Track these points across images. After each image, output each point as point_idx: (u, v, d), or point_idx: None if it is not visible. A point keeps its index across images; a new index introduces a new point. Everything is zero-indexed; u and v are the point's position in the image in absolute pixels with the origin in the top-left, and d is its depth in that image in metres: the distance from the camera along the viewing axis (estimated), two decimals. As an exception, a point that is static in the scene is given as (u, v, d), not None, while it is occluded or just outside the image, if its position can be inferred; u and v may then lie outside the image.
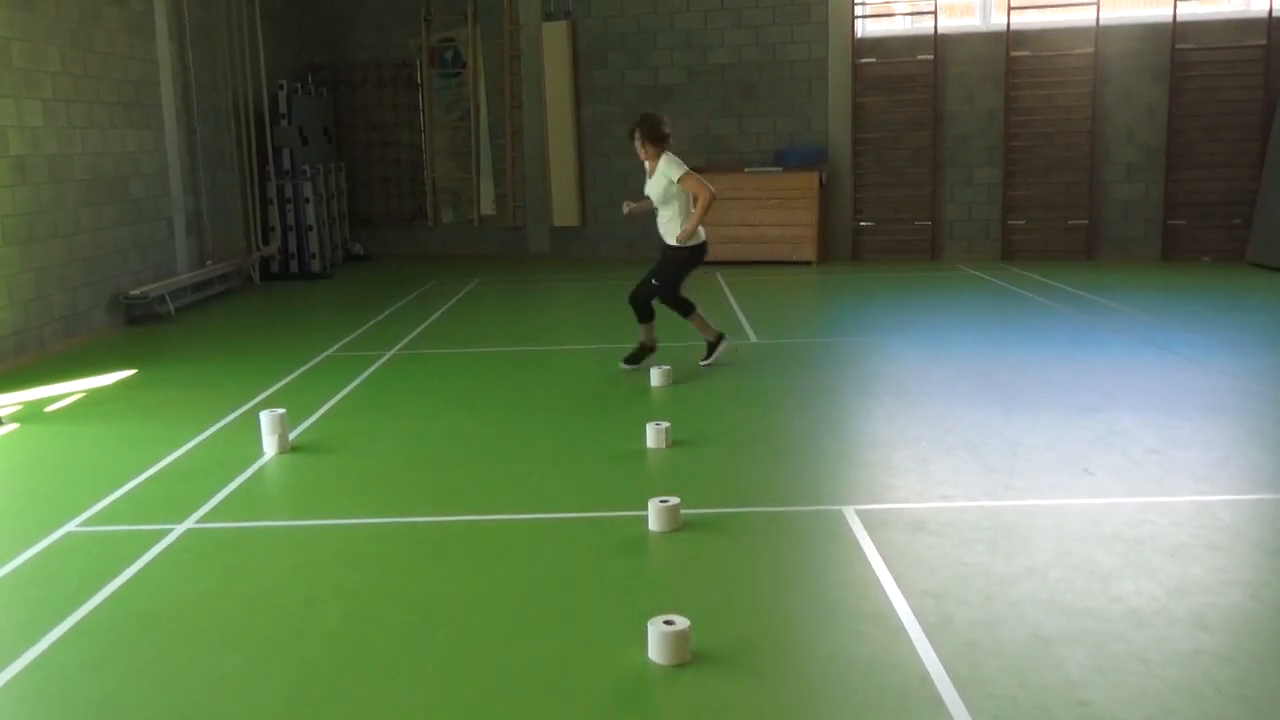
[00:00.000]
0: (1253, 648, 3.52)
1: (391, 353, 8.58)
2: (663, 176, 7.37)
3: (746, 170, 13.69)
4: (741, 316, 9.89)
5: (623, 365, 7.68)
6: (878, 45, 13.90)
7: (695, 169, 7.65)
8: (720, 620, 3.77)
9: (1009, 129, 13.56)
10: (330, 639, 3.75)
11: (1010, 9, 13.36)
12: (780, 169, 13.64)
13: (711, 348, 7.74)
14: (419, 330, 9.58)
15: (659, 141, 7.35)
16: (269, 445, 5.89)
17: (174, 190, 11.25)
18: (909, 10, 14.15)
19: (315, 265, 13.42)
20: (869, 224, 14.15)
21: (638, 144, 7.40)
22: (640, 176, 7.77)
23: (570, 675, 3.44)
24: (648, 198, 7.61)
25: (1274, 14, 12.82)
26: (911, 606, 3.83)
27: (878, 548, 4.38)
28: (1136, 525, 4.56)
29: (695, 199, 7.40)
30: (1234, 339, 8.40)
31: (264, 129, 13.10)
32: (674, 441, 5.87)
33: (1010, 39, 13.40)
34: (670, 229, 7.49)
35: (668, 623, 3.50)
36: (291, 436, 6.08)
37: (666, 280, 7.56)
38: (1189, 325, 8.96)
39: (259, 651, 3.66)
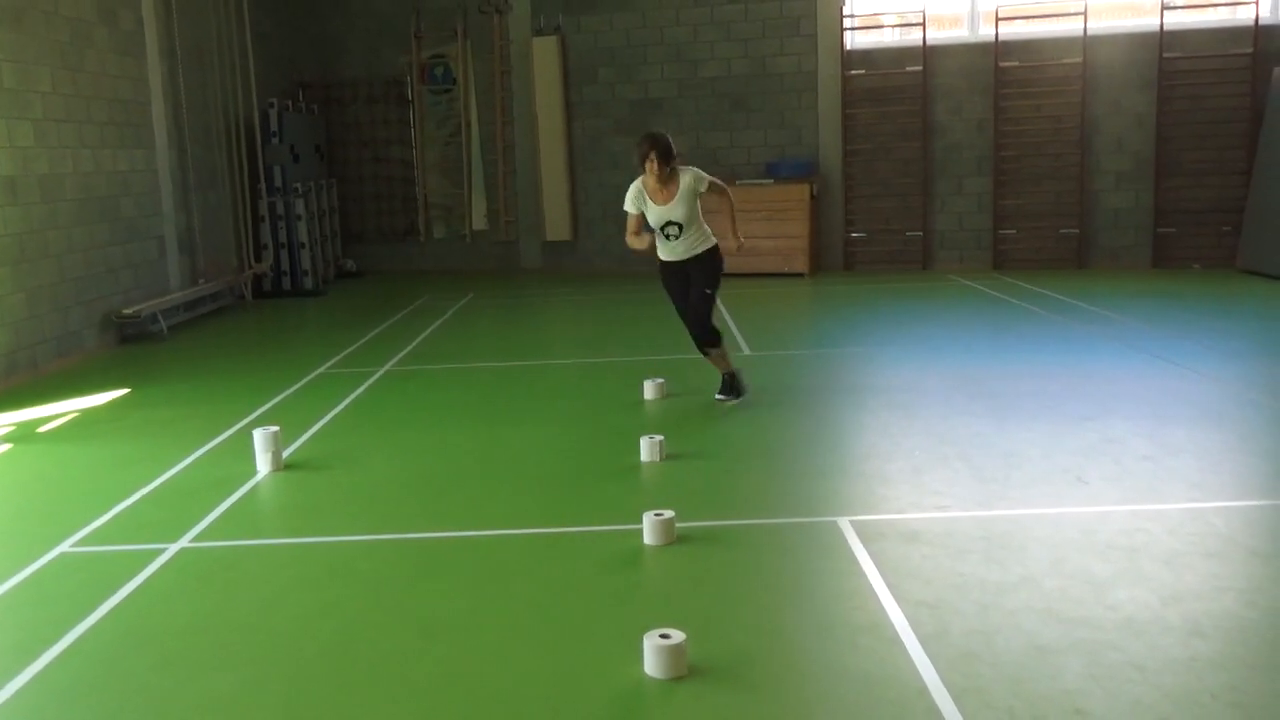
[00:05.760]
0: (1247, 654, 3.52)
1: (384, 369, 8.57)
2: (690, 193, 6.65)
3: (738, 183, 13.70)
4: (735, 328, 9.90)
5: (723, 398, 6.99)
6: (866, 57, 13.96)
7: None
8: (716, 633, 3.76)
9: (998, 139, 13.62)
10: (324, 657, 3.73)
11: (998, 20, 13.44)
12: (771, 181, 13.69)
13: (726, 383, 7.06)
14: (412, 346, 9.58)
15: (672, 159, 6.59)
16: (262, 463, 5.88)
17: (166, 209, 11.26)
18: (897, 22, 14.21)
19: (308, 282, 13.42)
20: (860, 235, 14.19)
21: (653, 168, 6.54)
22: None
23: (566, 690, 3.44)
24: (664, 228, 6.73)
25: (1260, 22, 12.90)
26: (907, 617, 3.83)
27: (873, 559, 4.38)
28: (1131, 533, 4.57)
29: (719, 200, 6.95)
30: (1225, 346, 8.42)
31: (255, 147, 13.12)
32: (668, 455, 5.87)
33: (998, 49, 13.47)
34: (694, 243, 6.78)
35: (663, 636, 3.49)
36: (285, 454, 6.07)
37: (716, 285, 6.91)
38: (1180, 332, 8.99)
39: (253, 670, 3.65)
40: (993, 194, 13.75)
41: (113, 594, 4.30)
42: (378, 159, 15.35)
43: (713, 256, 6.87)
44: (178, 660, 3.74)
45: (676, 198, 6.63)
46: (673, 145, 6.60)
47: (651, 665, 3.47)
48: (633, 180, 6.79)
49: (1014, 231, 13.81)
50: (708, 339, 6.91)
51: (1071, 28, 13.38)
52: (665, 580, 4.37)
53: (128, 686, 3.58)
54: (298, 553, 4.80)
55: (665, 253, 6.86)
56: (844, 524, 4.80)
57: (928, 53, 13.65)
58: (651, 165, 6.52)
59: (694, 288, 6.85)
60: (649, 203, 6.67)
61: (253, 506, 5.46)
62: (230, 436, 6.64)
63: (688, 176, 6.64)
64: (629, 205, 6.74)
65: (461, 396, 7.72)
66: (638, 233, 6.77)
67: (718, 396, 7.00)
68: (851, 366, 8.27)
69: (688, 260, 6.83)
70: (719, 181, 6.83)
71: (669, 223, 6.68)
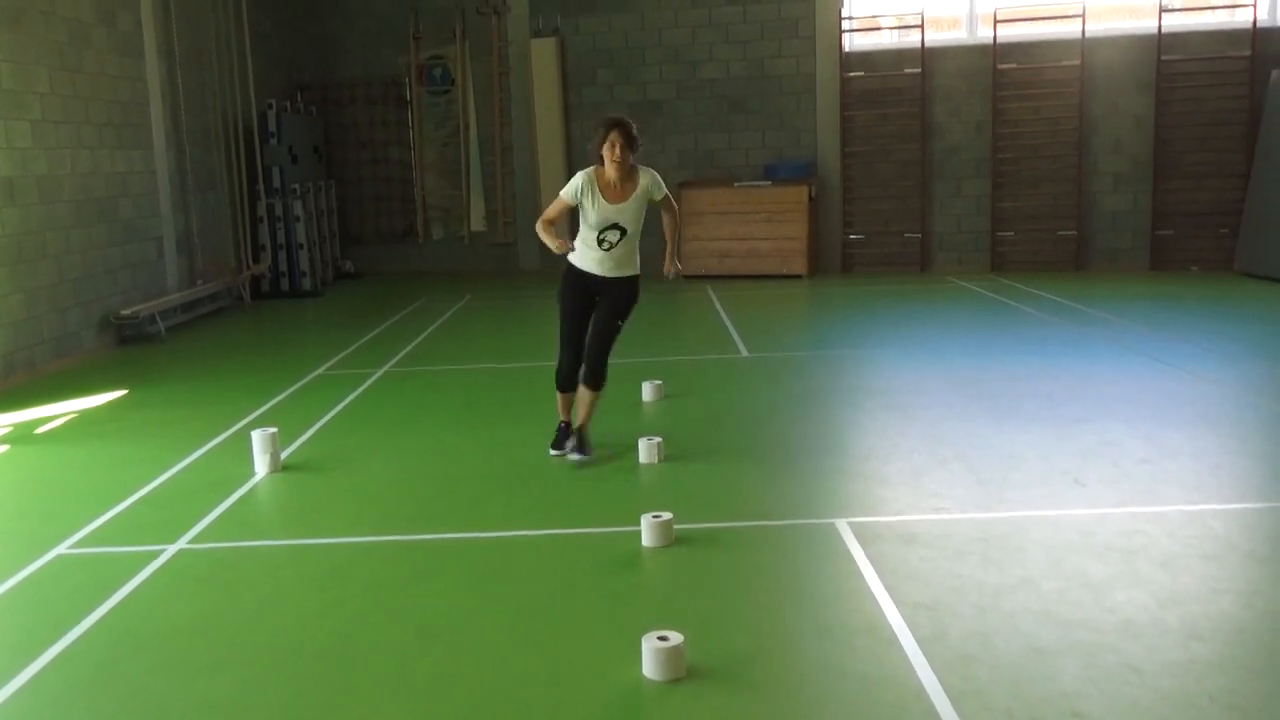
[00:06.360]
0: (1245, 657, 3.53)
1: (383, 370, 8.57)
2: (646, 196, 5.74)
3: (736, 184, 13.73)
4: (733, 330, 9.90)
5: (572, 457, 5.95)
6: (865, 59, 13.97)
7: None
8: (714, 635, 3.76)
9: (997, 141, 13.63)
10: (323, 658, 3.73)
11: (996, 22, 13.45)
12: (770, 183, 13.69)
13: (580, 437, 5.99)
14: (410, 347, 9.58)
15: (635, 150, 5.66)
16: (260, 465, 5.88)
17: (164, 210, 11.25)
18: (896, 24, 14.22)
19: (306, 283, 13.41)
20: (859, 237, 14.19)
21: (614, 153, 5.59)
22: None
23: (564, 692, 3.44)
24: (604, 233, 5.69)
25: (1258, 25, 12.92)
26: (905, 619, 3.83)
27: (871, 561, 4.39)
28: (1128, 535, 4.57)
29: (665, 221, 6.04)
30: (1223, 348, 8.43)
31: (254, 148, 13.11)
32: (666, 456, 5.87)
33: (997, 52, 13.48)
34: (625, 262, 5.83)
35: (662, 638, 3.49)
36: (283, 456, 6.07)
37: (627, 318, 5.96)
38: (1178, 335, 8.99)
39: (252, 672, 3.65)
40: (991, 196, 13.76)
41: (110, 595, 4.29)
42: (376, 160, 15.35)
43: (634, 286, 5.93)
44: (176, 662, 3.74)
45: (632, 198, 5.69)
46: (637, 136, 5.65)
47: (650, 667, 3.47)
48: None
49: (1012, 233, 13.82)
50: (601, 377, 5.90)
51: (1070, 30, 13.40)
52: (664, 582, 4.37)
53: (125, 688, 3.58)
54: (296, 554, 4.79)
55: (590, 262, 5.79)
56: (842, 526, 4.80)
57: (926, 55, 13.65)
58: (613, 153, 5.57)
59: (602, 313, 5.86)
60: (598, 197, 5.66)
61: (251, 508, 5.46)
62: (228, 438, 6.64)
63: (646, 177, 5.74)
64: (567, 192, 5.72)
65: (460, 398, 7.72)
66: (555, 220, 5.76)
67: (573, 457, 5.92)
68: (849, 368, 8.27)
69: (610, 280, 5.82)
70: (671, 197, 5.94)
71: (613, 226, 5.67)
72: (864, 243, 14.20)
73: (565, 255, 5.82)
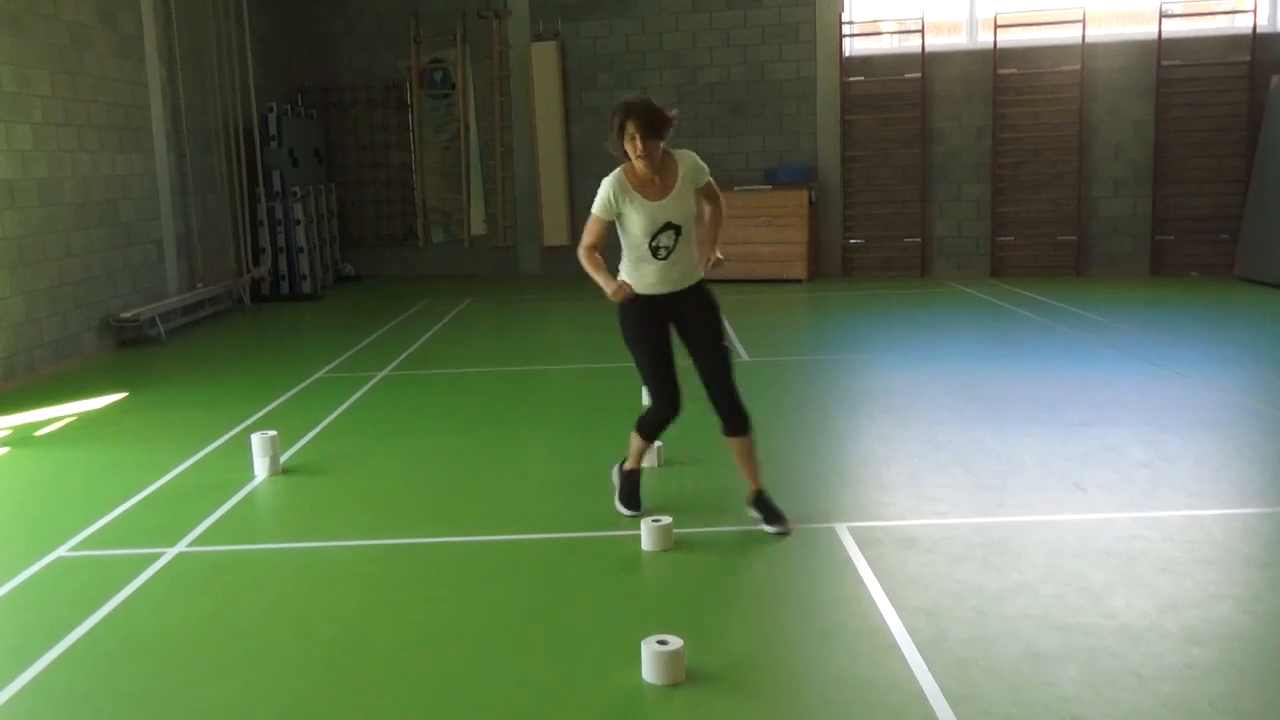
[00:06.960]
0: (1245, 662, 3.53)
1: (383, 374, 8.57)
2: (691, 182, 4.75)
3: (736, 189, 13.71)
4: (732, 334, 9.91)
5: (778, 529, 4.82)
6: (865, 64, 13.98)
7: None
8: (714, 640, 3.76)
9: (997, 146, 13.63)
10: (324, 662, 3.73)
11: (997, 27, 13.46)
12: (770, 187, 13.69)
13: (767, 503, 4.93)
14: (410, 351, 9.58)
15: (663, 133, 4.63)
16: (260, 468, 5.88)
17: (164, 213, 11.26)
18: (896, 29, 14.23)
19: (306, 287, 13.42)
20: (859, 241, 14.20)
21: (637, 146, 4.59)
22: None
23: (564, 696, 3.44)
24: (656, 238, 4.69)
25: (1258, 30, 12.93)
26: (905, 624, 3.83)
27: (870, 565, 4.39)
28: (1128, 540, 4.57)
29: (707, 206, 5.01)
30: (1223, 353, 8.43)
31: (254, 151, 13.13)
32: (666, 460, 5.87)
33: (997, 57, 13.49)
34: (691, 264, 4.86)
35: (661, 643, 3.49)
36: (283, 459, 6.07)
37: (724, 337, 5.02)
38: (1178, 340, 9.00)
39: (252, 676, 3.64)
40: (991, 201, 13.77)
41: (110, 598, 4.29)
42: (376, 163, 15.36)
43: (709, 291, 4.95)
44: (175, 666, 3.74)
45: (675, 190, 4.69)
46: (663, 115, 4.63)
47: (649, 671, 3.47)
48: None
49: (1012, 238, 13.82)
50: (746, 414, 4.92)
51: (1070, 35, 13.40)
52: (663, 586, 4.37)
53: (125, 692, 3.57)
54: (296, 558, 4.79)
55: (652, 281, 4.78)
56: (842, 530, 4.80)
57: (927, 59, 13.66)
58: (636, 147, 4.57)
59: (703, 344, 4.90)
60: (637, 200, 4.68)
61: (250, 511, 5.46)
62: (228, 441, 6.64)
63: (686, 161, 4.76)
64: (599, 207, 4.77)
65: (460, 401, 7.72)
66: (599, 246, 4.81)
67: (769, 529, 4.82)
68: (849, 373, 8.27)
69: (680, 293, 4.83)
70: (715, 184, 4.94)
71: (666, 226, 4.65)
72: (864, 247, 14.20)
73: (628, 299, 4.79)
